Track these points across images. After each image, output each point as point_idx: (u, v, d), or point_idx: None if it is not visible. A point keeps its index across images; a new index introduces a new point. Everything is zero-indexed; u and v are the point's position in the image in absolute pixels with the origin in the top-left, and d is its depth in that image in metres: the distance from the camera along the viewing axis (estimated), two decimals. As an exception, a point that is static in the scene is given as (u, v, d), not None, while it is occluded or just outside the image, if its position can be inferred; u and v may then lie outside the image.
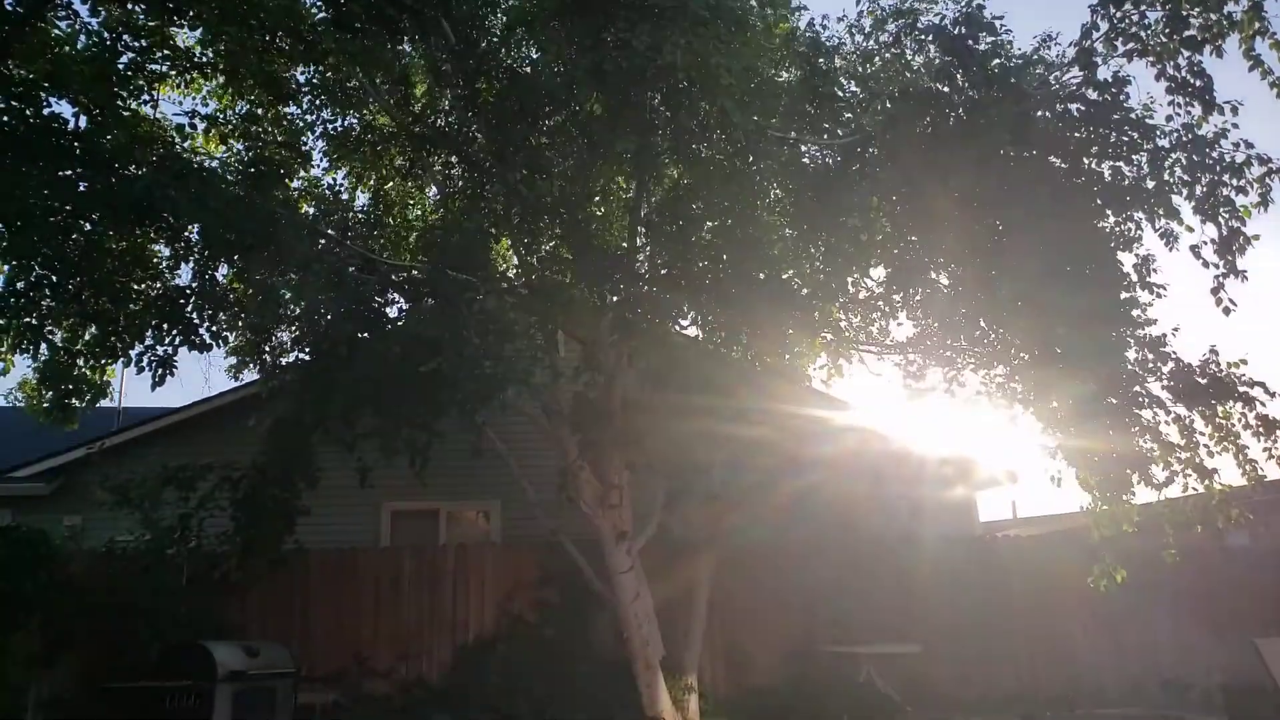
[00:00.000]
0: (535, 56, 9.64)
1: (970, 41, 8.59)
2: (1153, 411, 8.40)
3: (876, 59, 9.97)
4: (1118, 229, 8.80)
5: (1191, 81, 8.23)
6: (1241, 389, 8.54)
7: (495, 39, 9.45)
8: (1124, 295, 8.40)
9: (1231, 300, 8.17)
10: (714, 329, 9.79)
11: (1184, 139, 8.40)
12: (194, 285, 9.34)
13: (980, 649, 11.95)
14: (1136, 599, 10.73)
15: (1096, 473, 8.34)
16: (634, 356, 9.84)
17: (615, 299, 9.43)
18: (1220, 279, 8.21)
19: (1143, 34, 8.39)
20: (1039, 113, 8.56)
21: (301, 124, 10.24)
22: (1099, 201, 8.59)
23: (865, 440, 12.30)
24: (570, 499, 10.27)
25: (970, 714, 10.98)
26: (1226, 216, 8.27)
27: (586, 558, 10.43)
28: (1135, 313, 8.43)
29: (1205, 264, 8.29)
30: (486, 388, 8.23)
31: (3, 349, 9.21)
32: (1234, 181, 8.29)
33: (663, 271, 10.04)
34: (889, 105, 8.97)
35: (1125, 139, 8.55)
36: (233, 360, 10.68)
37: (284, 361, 10.49)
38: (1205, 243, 8.33)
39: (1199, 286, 8.43)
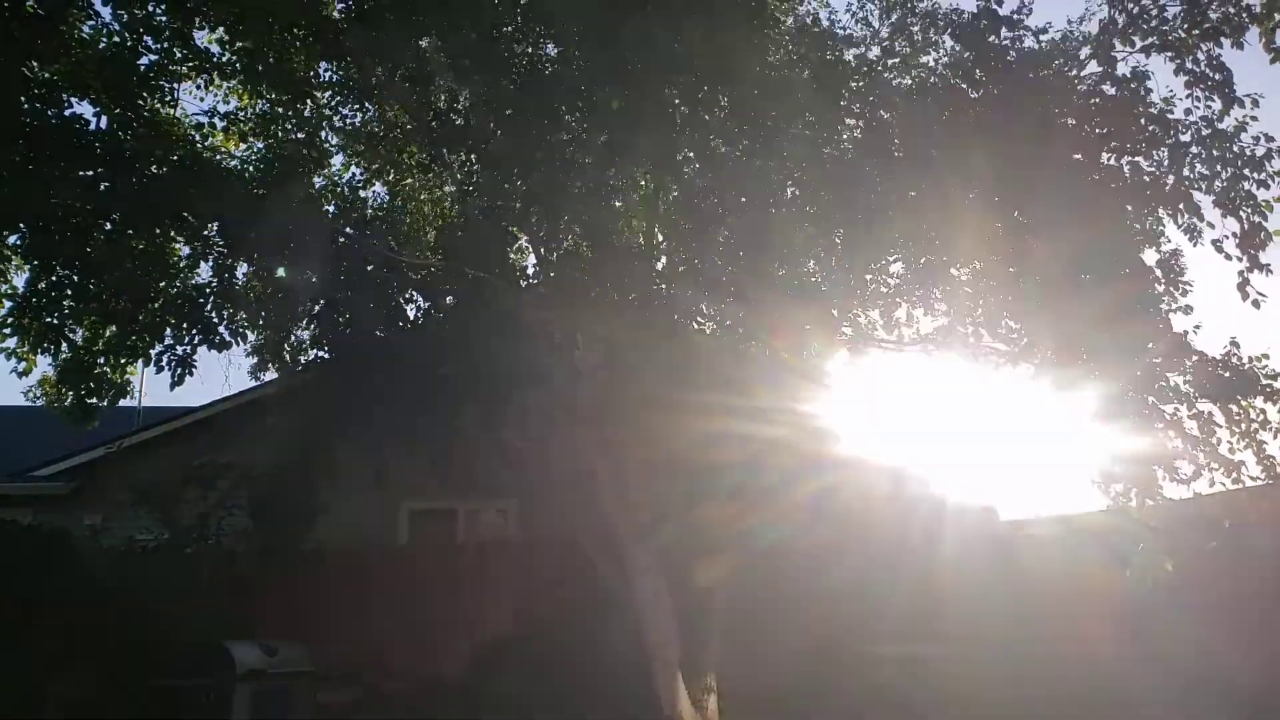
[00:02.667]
0: (554, 53, 9.62)
1: (989, 36, 8.52)
2: (1175, 407, 8.32)
3: (879, 46, 9.86)
4: (1140, 225, 8.71)
5: (1210, 75, 8.14)
6: (1265, 383, 8.43)
7: (516, 32, 9.41)
8: (1148, 292, 8.33)
9: (1260, 293, 8.09)
10: (732, 327, 9.75)
11: (1203, 133, 8.31)
12: (213, 284, 9.35)
13: (1002, 650, 11.81)
14: (1162, 600, 10.59)
15: (1123, 472, 8.27)
16: (652, 354, 9.81)
17: (633, 296, 9.40)
18: (1245, 274, 8.13)
19: (1162, 28, 8.30)
20: (1057, 109, 8.48)
21: (321, 120, 10.23)
22: (1120, 198, 8.51)
23: (885, 440, 12.21)
24: (588, 498, 10.24)
25: (993, 716, 10.87)
26: (1249, 211, 8.19)
27: (605, 557, 10.40)
28: (1160, 308, 8.35)
29: (1228, 258, 8.22)
30: (504, 389, 8.23)
31: (25, 348, 9.24)
32: (1255, 175, 8.21)
33: (680, 269, 10.00)
34: (900, 101, 8.90)
35: (1145, 135, 8.47)
36: (254, 360, 10.68)
37: (303, 360, 10.50)
38: (1228, 236, 8.26)
39: (1221, 280, 8.37)
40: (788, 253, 9.05)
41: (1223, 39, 8.05)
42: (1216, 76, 8.16)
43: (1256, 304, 8.09)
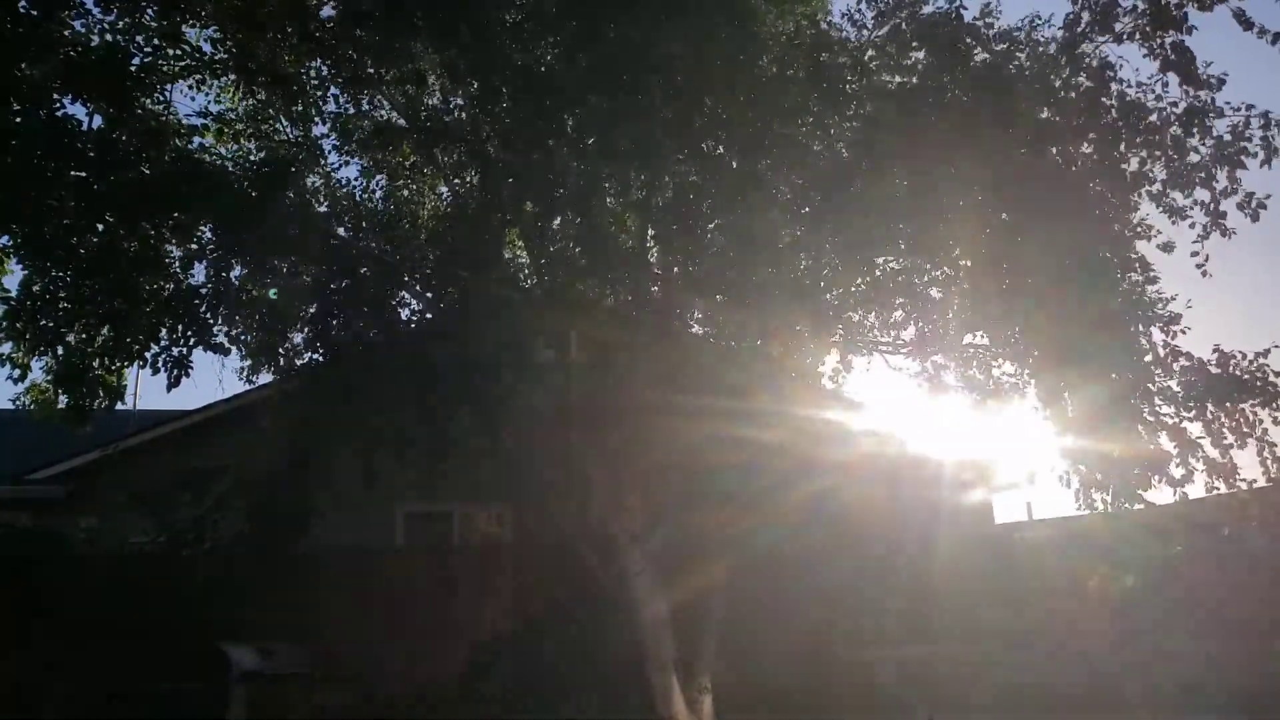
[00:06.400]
0: (543, 50, 9.61)
1: (955, 41, 8.56)
2: (1171, 409, 8.32)
3: (870, 51, 9.85)
4: (1127, 218, 8.76)
5: (1173, 58, 8.19)
6: (1264, 384, 8.41)
7: (507, 36, 9.42)
8: (1137, 294, 8.36)
9: (1205, 260, 8.34)
10: (725, 329, 9.74)
11: (1174, 113, 8.40)
12: (207, 285, 9.34)
13: (997, 651, 11.84)
14: (1155, 601, 10.61)
15: (1113, 475, 8.26)
16: (646, 357, 9.81)
17: (627, 297, 9.40)
18: (1205, 229, 8.36)
19: (1131, 16, 8.36)
20: (1025, 104, 8.50)
21: (310, 115, 10.18)
22: (1096, 186, 8.57)
23: (881, 442, 12.21)
24: (583, 501, 10.24)
25: (987, 717, 10.87)
26: (1227, 174, 8.32)
27: (600, 559, 10.40)
28: (1149, 301, 8.39)
29: (1192, 225, 8.46)
30: (499, 391, 8.26)
31: (20, 353, 9.21)
32: (1236, 145, 8.30)
33: (674, 271, 10.01)
34: (894, 100, 8.91)
35: (1122, 124, 8.53)
36: (245, 363, 10.63)
37: (298, 363, 10.47)
38: (1196, 205, 8.47)
39: (1214, 279, 8.44)
40: (780, 254, 9.05)
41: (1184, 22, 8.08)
42: (1177, 58, 8.21)
43: (1205, 273, 8.37)
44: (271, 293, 9.40)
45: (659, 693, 9.66)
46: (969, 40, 8.61)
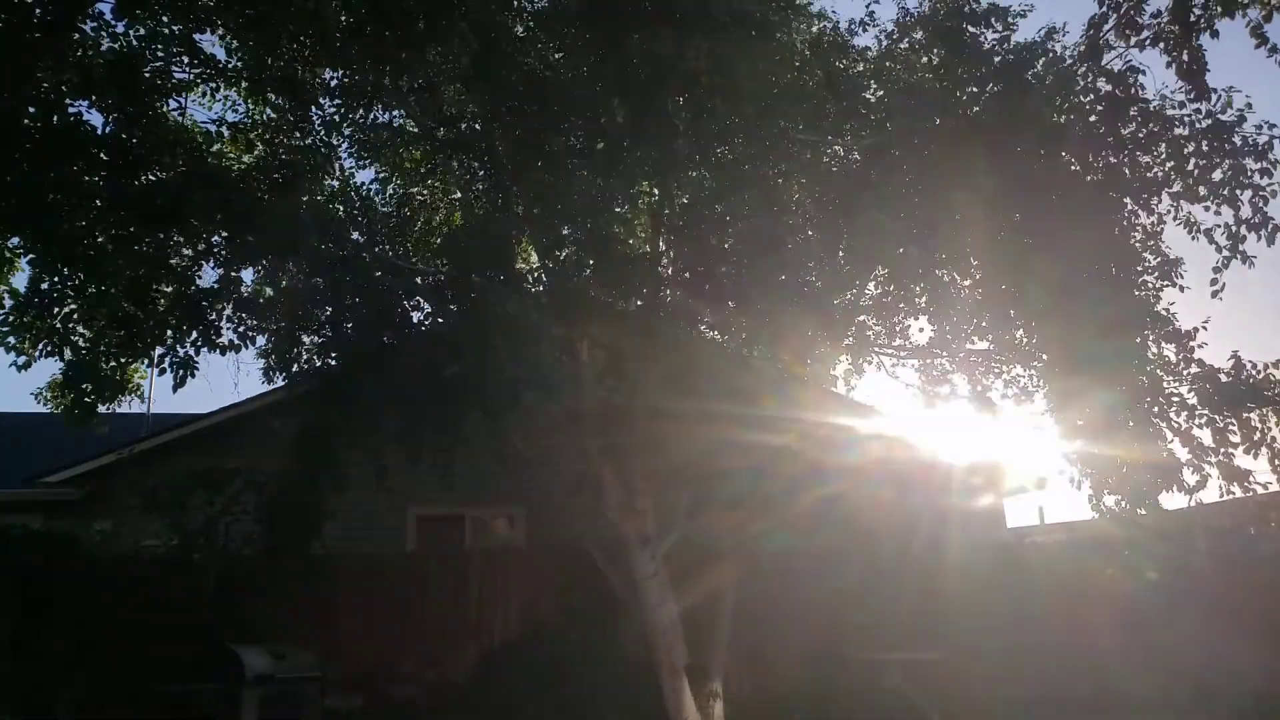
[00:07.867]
0: (557, 59, 9.63)
1: (967, 33, 8.54)
2: (1183, 415, 8.30)
3: (891, 63, 9.84)
4: (1138, 223, 8.72)
5: (1189, 64, 8.16)
6: (1275, 394, 8.40)
7: (517, 41, 9.44)
8: (1148, 291, 8.35)
9: (1221, 287, 8.30)
10: (736, 334, 9.74)
11: (1198, 126, 8.34)
12: (216, 286, 9.36)
13: (1008, 656, 11.78)
14: (1167, 606, 10.55)
15: (1124, 481, 8.24)
16: (656, 362, 9.82)
17: (638, 303, 9.41)
18: (1224, 260, 8.28)
19: (1154, 21, 8.32)
20: (1051, 106, 8.47)
21: (331, 127, 10.23)
22: (1113, 194, 8.53)
23: (890, 447, 12.19)
24: (594, 505, 10.25)
25: (998, 721, 10.84)
26: (1251, 200, 8.25)
27: (610, 563, 10.41)
28: (1160, 309, 8.37)
29: (1219, 249, 8.36)
30: (507, 392, 8.29)
31: (25, 344, 9.21)
32: (1257, 165, 8.22)
33: (685, 276, 10.01)
34: (913, 104, 8.89)
35: (1143, 132, 8.49)
36: (263, 365, 10.68)
37: (311, 367, 10.50)
38: (1218, 227, 8.38)
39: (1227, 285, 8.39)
40: (791, 260, 9.05)
41: (1201, 28, 8.05)
42: (1193, 66, 8.18)
43: (1216, 295, 8.32)
44: (268, 290, 9.42)
45: (671, 697, 9.67)
46: (983, 29, 8.56)
